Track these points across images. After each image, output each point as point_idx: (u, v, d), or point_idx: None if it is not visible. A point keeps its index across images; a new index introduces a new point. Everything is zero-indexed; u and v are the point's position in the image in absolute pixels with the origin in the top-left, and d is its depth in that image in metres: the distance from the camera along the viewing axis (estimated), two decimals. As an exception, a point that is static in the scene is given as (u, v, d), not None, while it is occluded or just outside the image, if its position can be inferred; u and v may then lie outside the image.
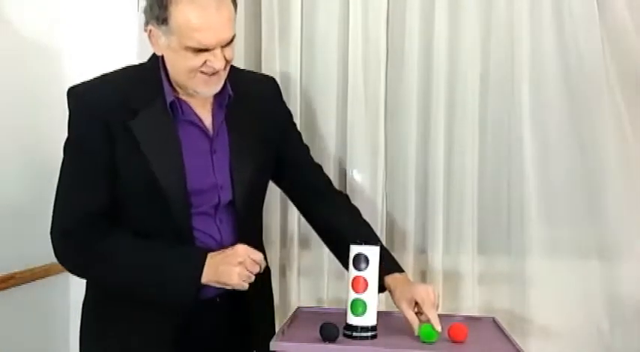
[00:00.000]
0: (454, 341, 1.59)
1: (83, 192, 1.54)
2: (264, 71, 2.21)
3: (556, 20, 2.18)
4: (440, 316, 1.63)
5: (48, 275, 2.17)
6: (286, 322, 1.71)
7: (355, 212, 1.86)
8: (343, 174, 2.26)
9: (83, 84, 1.60)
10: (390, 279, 1.70)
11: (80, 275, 1.66)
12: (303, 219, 2.21)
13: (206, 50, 1.48)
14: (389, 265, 1.72)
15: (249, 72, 1.79)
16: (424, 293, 1.64)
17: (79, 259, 1.58)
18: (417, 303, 1.64)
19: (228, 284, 1.52)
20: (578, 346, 2.17)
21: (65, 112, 2.27)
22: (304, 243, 2.26)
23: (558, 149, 2.20)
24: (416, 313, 1.63)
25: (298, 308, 1.90)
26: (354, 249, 1.60)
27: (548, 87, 2.19)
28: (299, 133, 1.89)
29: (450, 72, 2.21)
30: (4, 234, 1.97)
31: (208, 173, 1.59)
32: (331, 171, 2.24)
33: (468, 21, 2.20)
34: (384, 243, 2.17)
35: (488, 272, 2.22)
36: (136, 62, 2.20)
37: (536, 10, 2.18)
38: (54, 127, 2.24)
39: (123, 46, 2.29)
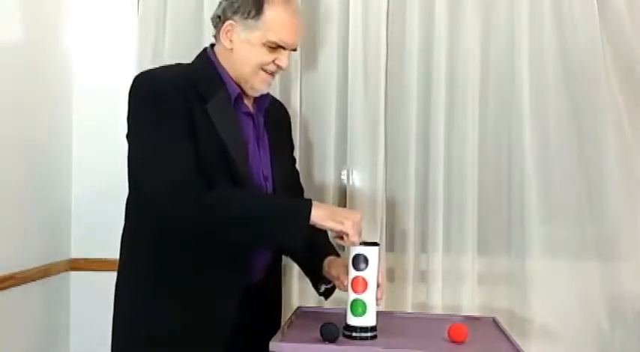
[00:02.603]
0: (454, 341, 1.59)
1: (183, 151, 1.58)
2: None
3: (556, 20, 2.18)
4: (440, 316, 1.63)
5: (48, 275, 2.18)
6: (286, 322, 1.71)
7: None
8: (343, 174, 2.26)
9: (154, 70, 1.72)
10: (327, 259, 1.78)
11: (193, 223, 1.58)
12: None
13: (279, 49, 1.68)
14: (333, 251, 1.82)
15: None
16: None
17: (200, 206, 1.55)
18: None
19: (342, 225, 1.57)
20: (578, 346, 2.17)
21: (67, 114, 2.28)
22: (304, 243, 2.26)
23: (558, 149, 2.20)
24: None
25: (298, 308, 1.90)
26: (354, 250, 1.59)
27: (548, 87, 2.20)
28: (294, 159, 1.98)
29: (450, 72, 2.21)
30: (4, 233, 1.97)
31: (259, 162, 1.73)
32: (331, 171, 2.24)
33: (468, 21, 2.20)
34: (383, 243, 2.19)
35: (488, 272, 2.22)
36: (134, 62, 2.23)
37: (536, 10, 2.18)
38: (57, 129, 2.25)
39: (123, 45, 2.29)
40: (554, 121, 2.20)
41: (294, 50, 1.74)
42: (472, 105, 2.20)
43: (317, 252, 1.79)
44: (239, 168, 1.64)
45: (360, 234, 1.59)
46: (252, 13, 1.66)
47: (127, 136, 1.64)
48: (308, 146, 2.27)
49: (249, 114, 1.74)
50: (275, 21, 1.66)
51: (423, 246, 2.23)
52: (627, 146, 2.16)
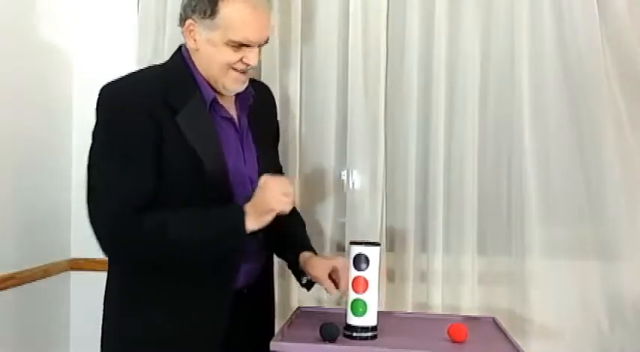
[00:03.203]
0: (454, 341, 1.59)
1: (137, 178, 1.53)
2: (264, 71, 2.21)
3: (556, 20, 2.18)
4: (440, 316, 1.63)
5: (48, 275, 2.17)
6: (286, 322, 1.71)
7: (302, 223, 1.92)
8: (343, 174, 2.26)
9: (118, 82, 1.61)
10: (305, 253, 1.76)
11: (129, 256, 1.59)
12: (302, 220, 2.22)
13: (245, 47, 1.58)
14: (308, 246, 1.81)
15: (252, 78, 1.80)
16: (344, 262, 1.68)
17: (132, 239, 1.54)
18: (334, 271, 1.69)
19: (274, 211, 1.56)
20: (578, 346, 2.17)
21: (67, 114, 2.28)
22: (304, 243, 2.26)
23: (558, 149, 2.20)
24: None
25: (298, 308, 1.90)
26: (355, 249, 1.60)
27: (548, 87, 2.20)
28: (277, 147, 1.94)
29: (450, 72, 2.21)
30: (4, 233, 1.96)
31: (242, 166, 1.66)
32: (331, 171, 2.24)
33: (468, 21, 2.20)
34: (383, 243, 2.19)
35: (488, 272, 2.22)
36: (135, 61, 2.22)
37: (536, 10, 2.18)
38: (57, 129, 2.26)
39: (123, 45, 2.29)
40: (554, 121, 2.20)
41: (266, 42, 1.64)
42: (472, 105, 2.20)
43: (292, 247, 1.77)
44: (216, 178, 1.58)
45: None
46: (208, 12, 1.56)
47: (90, 151, 1.59)
48: (308, 146, 2.27)
49: (228, 118, 1.66)
50: (233, 18, 1.56)
51: (423, 246, 2.23)
52: (627, 146, 2.16)
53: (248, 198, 1.59)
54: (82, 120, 2.29)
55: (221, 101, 1.66)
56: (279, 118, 1.94)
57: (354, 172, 2.25)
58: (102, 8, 2.33)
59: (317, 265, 1.71)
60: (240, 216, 1.55)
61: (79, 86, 2.32)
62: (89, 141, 2.33)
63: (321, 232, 2.24)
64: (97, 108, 1.58)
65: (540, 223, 2.18)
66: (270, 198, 1.56)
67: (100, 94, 1.59)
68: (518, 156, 2.19)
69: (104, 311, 1.68)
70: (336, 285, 1.68)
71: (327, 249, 2.23)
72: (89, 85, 2.28)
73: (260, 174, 1.65)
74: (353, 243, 1.63)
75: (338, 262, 1.70)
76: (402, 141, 2.23)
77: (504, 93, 2.22)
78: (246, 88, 1.67)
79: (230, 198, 1.61)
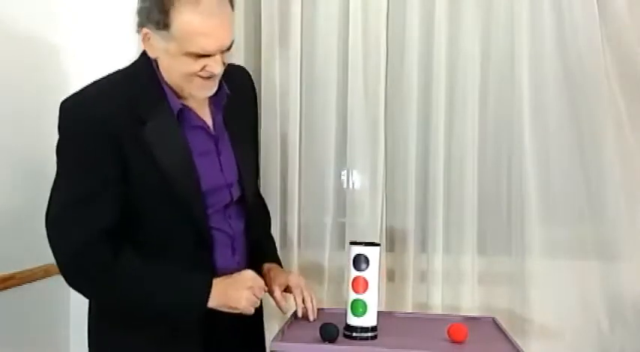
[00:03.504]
0: (454, 341, 1.59)
1: (95, 208, 1.49)
2: (264, 71, 2.21)
3: (556, 20, 2.18)
4: (440, 316, 1.63)
5: (48, 275, 2.17)
6: (286, 322, 1.71)
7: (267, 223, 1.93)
8: (343, 174, 2.26)
9: (80, 95, 1.55)
10: (266, 264, 1.77)
11: (88, 296, 1.62)
12: (303, 220, 2.23)
13: (206, 55, 1.48)
14: (272, 258, 1.82)
15: (228, 65, 1.65)
16: (296, 279, 1.76)
17: (90, 281, 1.54)
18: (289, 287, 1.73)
19: (236, 309, 1.57)
20: (578, 346, 2.17)
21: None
22: (304, 243, 2.26)
23: (558, 149, 2.20)
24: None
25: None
26: (355, 250, 1.60)
27: (548, 87, 2.19)
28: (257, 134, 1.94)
29: (450, 72, 2.21)
30: (3, 234, 1.96)
31: (218, 173, 1.61)
32: (331, 171, 2.24)
33: (468, 21, 2.20)
34: (383, 243, 2.19)
35: (488, 272, 2.22)
36: (135, 58, 2.22)
37: (536, 10, 2.18)
38: (55, 128, 2.25)
39: (123, 45, 2.28)
40: (554, 121, 2.20)
41: (230, 47, 1.52)
42: (472, 105, 2.20)
43: (259, 259, 1.76)
44: (187, 193, 1.54)
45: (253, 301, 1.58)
46: (161, 23, 1.45)
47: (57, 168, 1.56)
48: (308, 146, 2.26)
49: (199, 127, 1.60)
50: (187, 29, 1.44)
51: (423, 246, 2.23)
52: (627, 146, 2.16)
53: (225, 205, 1.61)
54: (82, 120, 2.31)
55: (193, 106, 1.59)
56: (279, 117, 1.94)
57: (354, 172, 2.25)
58: (102, 8, 2.32)
59: (270, 273, 1.74)
60: (203, 294, 1.53)
61: (78, 86, 2.30)
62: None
63: (321, 232, 2.24)
64: (58, 127, 1.54)
65: (540, 223, 2.18)
66: (239, 297, 1.55)
67: (59, 111, 1.53)
68: (518, 156, 2.19)
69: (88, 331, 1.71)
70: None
71: (327, 249, 2.23)
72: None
73: (240, 177, 1.65)
74: (353, 243, 1.63)
75: (291, 279, 1.75)
76: (402, 141, 2.23)
77: (504, 94, 2.22)
78: (220, 88, 1.60)
79: (204, 210, 1.57)
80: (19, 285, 2.01)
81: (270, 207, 2.06)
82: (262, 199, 1.95)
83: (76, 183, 1.51)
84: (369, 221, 2.21)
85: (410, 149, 2.21)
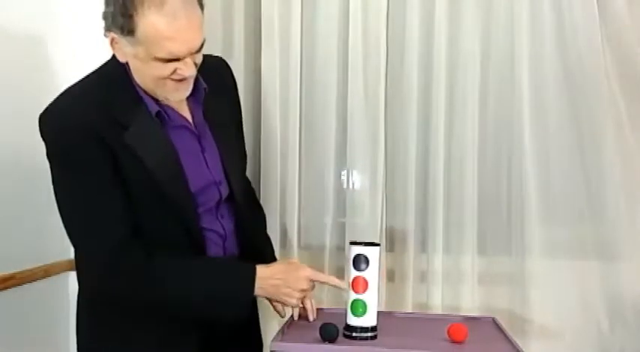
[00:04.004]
0: (454, 341, 1.59)
1: (111, 210, 1.47)
2: (265, 71, 2.21)
3: (556, 20, 2.18)
4: (440, 316, 1.63)
5: (48, 275, 2.17)
6: (286, 322, 1.71)
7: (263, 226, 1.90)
8: (343, 174, 2.26)
9: (57, 107, 1.52)
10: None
11: (128, 300, 1.55)
12: (303, 220, 2.23)
13: (176, 59, 1.43)
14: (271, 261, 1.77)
15: (204, 56, 1.57)
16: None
17: (129, 285, 1.50)
18: None
19: (285, 304, 1.64)
20: (578, 346, 2.18)
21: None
22: (304, 243, 2.26)
23: (558, 149, 2.20)
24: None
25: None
26: (355, 250, 1.59)
27: (548, 87, 2.20)
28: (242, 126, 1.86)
29: (450, 72, 2.21)
30: (4, 234, 1.96)
31: (204, 171, 1.59)
32: (331, 171, 2.24)
33: (469, 21, 2.20)
34: (383, 243, 2.19)
35: (488, 272, 2.23)
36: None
37: (536, 10, 2.18)
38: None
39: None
40: (554, 121, 2.20)
41: (201, 48, 1.46)
42: (472, 105, 2.20)
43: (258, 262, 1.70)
44: (177, 194, 1.52)
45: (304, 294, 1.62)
46: (126, 28, 1.40)
47: (52, 180, 1.55)
48: (308, 146, 2.27)
49: (181, 126, 1.56)
50: (153, 34, 1.38)
51: (423, 246, 2.23)
52: (627, 146, 2.16)
53: (215, 204, 1.59)
54: (82, 120, 2.30)
55: (172, 104, 1.55)
56: (279, 117, 1.93)
57: (354, 172, 2.25)
58: (102, 8, 2.32)
59: None
60: (249, 281, 1.55)
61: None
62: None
63: (321, 232, 2.24)
64: (43, 139, 1.50)
65: (540, 223, 2.18)
66: (285, 290, 1.59)
67: (39, 125, 1.50)
68: (518, 156, 2.19)
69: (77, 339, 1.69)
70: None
71: (327, 249, 2.23)
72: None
73: (226, 173, 1.61)
74: (353, 243, 1.63)
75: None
76: (402, 141, 2.23)
77: (504, 94, 2.22)
78: (197, 83, 1.54)
79: (195, 210, 1.56)
80: (19, 285, 2.01)
81: (269, 208, 2.08)
82: (253, 194, 1.92)
83: (84, 191, 1.49)
84: (369, 221, 2.21)
85: (410, 149, 2.21)
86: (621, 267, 2.16)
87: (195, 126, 1.59)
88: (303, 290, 1.61)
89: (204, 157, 1.59)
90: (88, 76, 1.57)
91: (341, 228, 2.26)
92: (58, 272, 2.23)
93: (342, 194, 2.27)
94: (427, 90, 2.22)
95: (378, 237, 2.18)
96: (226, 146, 1.63)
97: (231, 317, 1.54)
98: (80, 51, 2.31)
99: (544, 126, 2.20)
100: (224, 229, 1.64)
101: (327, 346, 1.52)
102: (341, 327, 1.58)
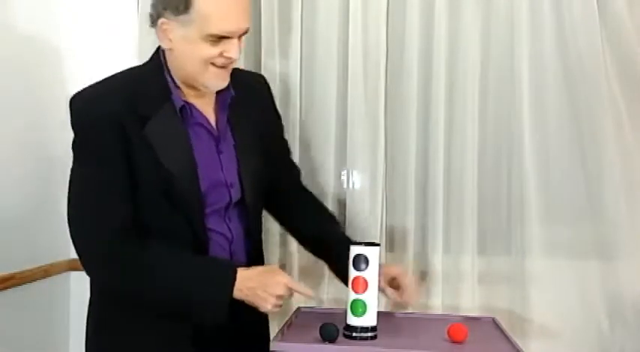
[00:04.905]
0: (454, 341, 1.59)
1: (109, 200, 1.51)
2: (264, 71, 2.21)
3: (556, 20, 2.18)
4: (440, 316, 1.63)
5: (48, 275, 2.17)
6: (286, 322, 1.71)
7: (325, 213, 1.93)
8: (343, 174, 2.26)
9: (88, 92, 1.57)
10: None
11: (116, 287, 1.59)
12: (302, 220, 2.22)
13: (224, 39, 1.50)
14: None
15: (241, 70, 1.77)
16: (398, 268, 1.78)
17: (119, 273, 1.54)
18: (394, 280, 1.74)
19: (255, 304, 1.56)
20: (578, 346, 2.17)
21: (67, 114, 2.28)
22: (304, 243, 2.26)
23: (558, 149, 2.20)
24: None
25: (298, 308, 1.90)
26: (354, 250, 1.60)
27: (548, 87, 2.19)
28: (284, 134, 1.93)
29: (449, 72, 2.20)
30: (4, 234, 1.97)
31: (218, 172, 1.61)
32: (331, 171, 2.24)
33: (468, 21, 2.20)
34: (383, 243, 2.19)
35: (488, 272, 2.22)
36: (136, 60, 2.22)
37: (536, 10, 2.18)
38: (55, 128, 2.25)
39: (123, 45, 2.29)
40: (554, 121, 2.20)
41: (246, 33, 1.55)
42: (472, 105, 2.20)
43: (338, 252, 1.71)
44: (187, 189, 1.55)
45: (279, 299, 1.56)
46: (181, 6, 1.47)
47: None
48: (308, 146, 2.26)
49: (200, 124, 1.61)
50: (209, 10, 1.47)
51: (423, 246, 2.23)
52: (627, 146, 2.16)
53: (224, 207, 1.62)
54: (82, 120, 2.31)
55: (198, 104, 1.61)
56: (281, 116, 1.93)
57: (354, 172, 2.25)
58: (102, 8, 2.32)
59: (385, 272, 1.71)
60: (228, 282, 1.52)
61: (78, 86, 2.30)
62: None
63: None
64: (71, 121, 1.56)
65: (540, 223, 2.18)
66: (262, 293, 1.54)
67: (69, 105, 1.56)
68: (518, 156, 2.18)
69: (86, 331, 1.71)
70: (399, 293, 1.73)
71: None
72: (89, 85, 2.31)
73: (240, 178, 1.64)
74: (353, 243, 1.63)
75: (396, 271, 1.75)
76: (401, 141, 2.22)
77: (504, 93, 2.22)
78: (226, 88, 1.61)
79: (202, 209, 1.58)
80: (19, 285, 2.01)
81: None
82: (308, 194, 1.94)
83: (92, 179, 1.53)
84: (369, 221, 2.20)
85: (410, 149, 2.21)
86: (621, 267, 2.15)
87: (217, 128, 1.63)
88: (278, 296, 1.55)
89: (220, 159, 1.62)
90: (125, 70, 1.65)
91: (341, 228, 2.26)
92: (58, 272, 2.24)
93: (342, 194, 2.27)
94: (427, 90, 2.21)
95: (378, 237, 2.18)
96: (244, 152, 1.66)
97: (209, 316, 1.53)
98: (80, 51, 2.32)
99: (544, 125, 2.20)
100: (231, 232, 1.65)
101: (327, 346, 1.52)
102: (341, 327, 1.58)
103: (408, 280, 1.76)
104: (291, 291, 1.59)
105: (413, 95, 2.21)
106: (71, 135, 2.29)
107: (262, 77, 1.87)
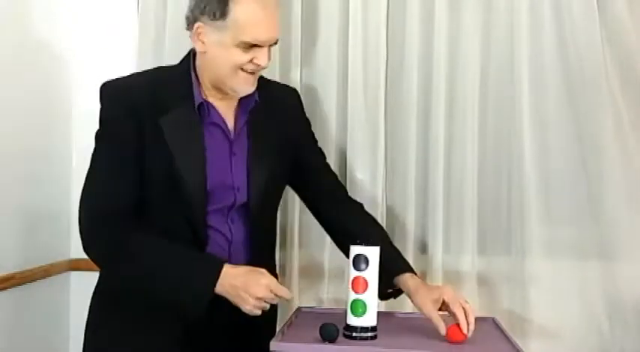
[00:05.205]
0: (453, 342, 1.59)
1: (116, 181, 1.58)
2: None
3: (556, 20, 2.18)
4: (440, 316, 1.62)
5: (48, 275, 2.18)
6: (286, 322, 1.71)
7: (372, 220, 1.92)
8: (343, 174, 2.25)
9: (118, 80, 1.67)
10: (409, 279, 1.71)
11: (102, 265, 1.67)
12: (303, 219, 2.23)
13: (255, 47, 1.58)
14: (402, 265, 1.76)
15: (273, 81, 1.88)
16: (452, 292, 1.67)
17: (105, 250, 1.60)
18: (443, 303, 1.65)
19: (238, 305, 1.55)
20: (578, 346, 2.17)
21: (67, 114, 2.29)
22: (304, 243, 2.26)
23: (558, 149, 2.20)
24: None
25: (298, 308, 1.90)
26: (354, 250, 1.60)
27: (548, 87, 2.19)
28: (316, 141, 1.94)
29: (450, 72, 2.20)
30: (4, 233, 1.97)
31: (226, 173, 1.65)
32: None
33: (468, 21, 2.20)
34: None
35: (488, 272, 2.22)
36: (136, 60, 2.23)
37: (536, 10, 2.18)
38: (55, 128, 2.26)
39: (123, 45, 2.29)
40: (554, 122, 2.20)
41: (276, 43, 1.65)
42: (472, 105, 2.20)
43: (388, 266, 1.68)
44: (192, 185, 1.58)
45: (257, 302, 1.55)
46: (218, 13, 1.56)
47: None
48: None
49: (216, 124, 1.66)
50: (244, 19, 1.55)
51: (423, 246, 2.23)
52: (627, 145, 2.16)
53: (228, 207, 1.64)
54: (82, 120, 2.31)
55: (218, 105, 1.66)
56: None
57: (354, 172, 2.25)
58: (102, 8, 2.33)
59: (424, 296, 1.66)
60: (211, 282, 1.53)
61: (78, 86, 2.32)
62: (88, 142, 2.34)
63: (321, 232, 2.23)
64: (100, 108, 1.65)
65: (540, 223, 2.18)
66: (242, 294, 1.53)
67: (99, 92, 1.65)
68: (518, 156, 2.18)
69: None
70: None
71: (327, 249, 2.23)
72: (89, 85, 2.29)
73: (249, 183, 1.66)
74: (353, 243, 1.63)
75: (446, 293, 1.66)
76: (402, 141, 2.22)
77: (504, 94, 2.22)
78: (251, 94, 1.67)
79: (204, 205, 1.61)
80: (19, 285, 2.02)
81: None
82: (356, 201, 1.94)
83: (104, 156, 1.61)
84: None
85: (410, 149, 2.21)
86: (621, 267, 2.15)
87: (234, 131, 1.67)
88: (258, 298, 1.54)
89: (231, 161, 1.66)
90: (157, 68, 1.77)
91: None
92: (58, 272, 2.24)
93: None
94: (427, 90, 2.21)
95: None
96: (256, 157, 1.68)
97: (189, 306, 1.54)
98: (80, 51, 2.32)
99: (544, 126, 2.20)
100: (231, 234, 1.66)
101: (327, 346, 1.52)
102: (341, 327, 1.58)
103: (464, 309, 1.63)
104: (273, 294, 1.57)
105: (413, 95, 2.20)
106: (71, 135, 2.32)
107: (292, 89, 1.94)
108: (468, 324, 1.60)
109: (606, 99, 2.14)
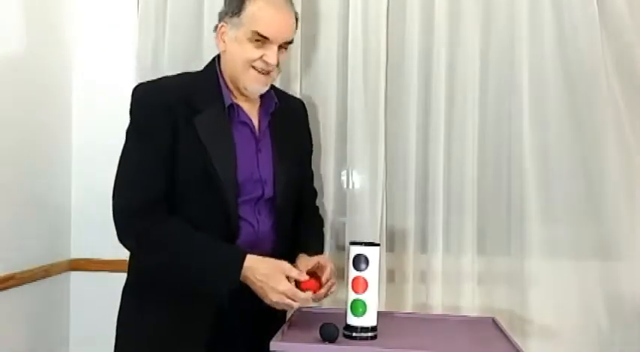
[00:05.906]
0: (305, 288, 1.62)
1: (149, 176, 1.66)
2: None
3: (556, 20, 2.18)
4: (440, 316, 1.63)
5: (48, 275, 2.18)
6: (286, 322, 1.71)
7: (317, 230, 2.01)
8: (343, 174, 2.26)
9: (151, 82, 1.76)
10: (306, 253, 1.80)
11: (135, 253, 1.74)
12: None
13: (266, 43, 1.68)
14: (313, 246, 1.84)
15: (284, 92, 1.98)
16: (328, 261, 1.77)
17: (138, 240, 1.66)
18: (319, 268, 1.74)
19: (262, 296, 1.63)
20: (578, 346, 2.17)
21: (67, 112, 2.28)
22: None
23: (558, 149, 2.20)
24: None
25: (298, 308, 1.90)
26: (354, 250, 1.60)
27: (548, 87, 2.19)
28: (311, 159, 2.02)
29: (449, 72, 2.20)
30: (4, 233, 1.97)
31: (254, 168, 1.74)
32: (331, 171, 2.24)
33: (468, 21, 2.20)
34: (383, 243, 2.19)
35: (488, 272, 2.22)
36: (135, 60, 2.23)
37: (536, 10, 2.18)
38: (56, 128, 2.26)
39: (123, 45, 2.30)
40: (554, 121, 2.20)
41: (286, 47, 1.74)
42: (472, 105, 2.20)
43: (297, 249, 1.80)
44: (225, 178, 1.67)
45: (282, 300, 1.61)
46: (236, 10, 1.70)
47: None
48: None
49: (245, 122, 1.76)
50: (257, 13, 1.68)
51: (423, 246, 2.23)
52: (627, 145, 2.16)
53: (256, 199, 1.72)
54: (82, 119, 2.31)
55: (244, 106, 1.76)
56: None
57: (354, 172, 2.25)
58: (102, 7, 2.33)
59: (301, 261, 1.74)
60: (236, 272, 1.61)
61: (78, 86, 2.32)
62: (89, 141, 2.34)
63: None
64: (130, 105, 1.72)
65: (540, 223, 2.18)
66: (266, 288, 1.61)
67: (132, 92, 1.72)
68: (517, 155, 2.18)
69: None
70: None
71: (327, 248, 2.23)
72: (89, 84, 2.32)
73: (275, 178, 1.76)
74: (353, 243, 1.63)
75: (322, 259, 1.76)
76: (402, 141, 2.23)
77: (504, 93, 2.22)
78: (271, 97, 1.78)
79: (236, 196, 1.68)
80: (19, 285, 2.02)
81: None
82: (319, 217, 2.05)
83: (138, 152, 1.68)
84: (369, 221, 2.20)
85: (410, 149, 2.21)
86: (621, 267, 2.16)
87: (259, 130, 1.78)
88: (281, 293, 1.60)
89: (258, 157, 1.76)
90: (184, 73, 1.84)
91: (341, 228, 2.26)
92: (58, 272, 2.24)
93: (342, 194, 2.27)
94: (427, 90, 2.22)
95: (378, 237, 2.18)
96: (280, 154, 1.79)
97: (216, 292, 1.63)
98: (80, 51, 2.32)
99: (544, 125, 2.20)
100: (258, 224, 1.74)
101: (327, 346, 1.52)
102: (341, 327, 1.58)
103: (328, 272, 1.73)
104: (289, 300, 1.62)
105: (413, 95, 2.21)
106: (72, 135, 2.31)
107: (302, 102, 2.02)
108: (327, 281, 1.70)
109: (606, 99, 2.14)
